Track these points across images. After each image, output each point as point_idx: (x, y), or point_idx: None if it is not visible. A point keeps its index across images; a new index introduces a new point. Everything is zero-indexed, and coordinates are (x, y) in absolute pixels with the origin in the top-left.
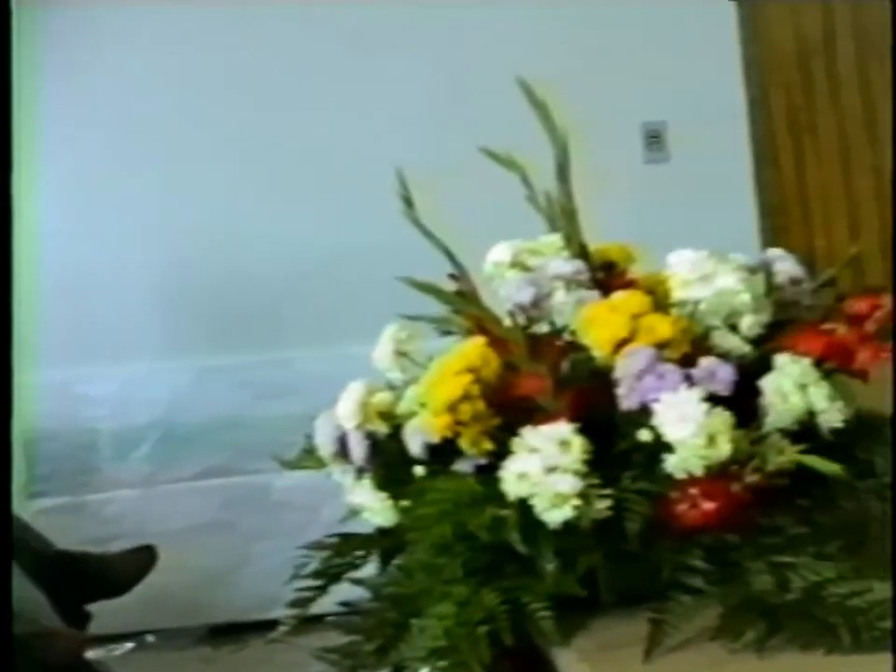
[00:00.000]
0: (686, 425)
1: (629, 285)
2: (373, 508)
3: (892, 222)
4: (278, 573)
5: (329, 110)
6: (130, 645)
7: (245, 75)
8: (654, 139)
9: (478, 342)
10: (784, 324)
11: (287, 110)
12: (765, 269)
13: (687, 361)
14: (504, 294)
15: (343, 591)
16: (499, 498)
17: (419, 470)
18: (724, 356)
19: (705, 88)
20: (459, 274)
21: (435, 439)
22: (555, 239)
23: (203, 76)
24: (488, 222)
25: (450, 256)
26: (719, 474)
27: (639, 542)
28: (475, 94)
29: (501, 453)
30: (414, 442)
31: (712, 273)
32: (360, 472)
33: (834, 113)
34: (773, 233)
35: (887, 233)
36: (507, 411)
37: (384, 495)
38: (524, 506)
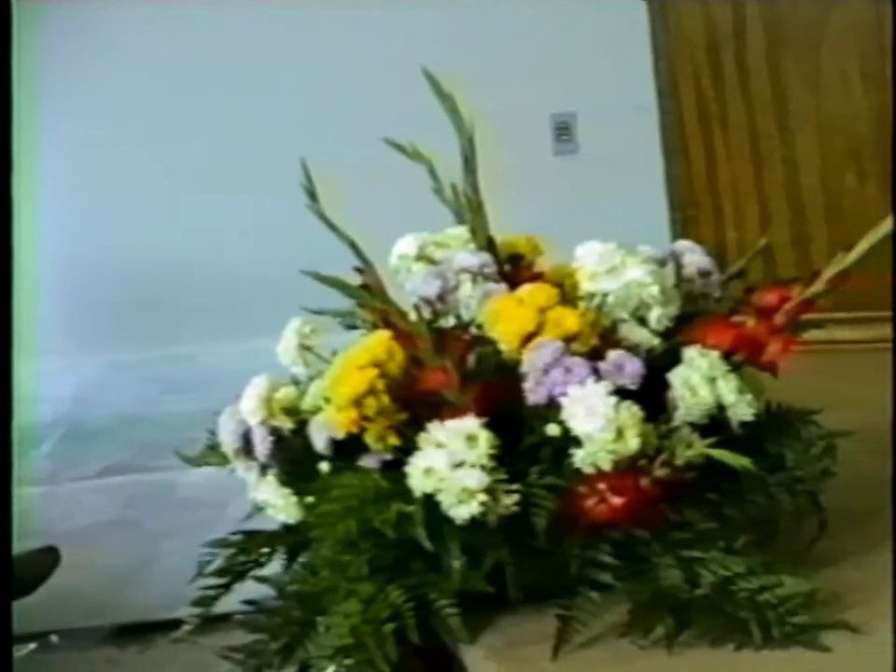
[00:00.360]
0: (594, 419)
1: (536, 277)
2: (277, 505)
3: (892, 222)
4: (184, 571)
5: (233, 102)
6: (32, 646)
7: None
8: (563, 131)
9: (383, 336)
10: (693, 316)
11: (193, 106)
12: (674, 261)
13: (595, 355)
14: (410, 287)
15: (249, 589)
16: (405, 494)
17: (324, 466)
18: (633, 349)
19: (614, 79)
20: (364, 268)
21: (340, 434)
22: (462, 231)
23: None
24: (395, 215)
25: (355, 249)
26: (627, 469)
27: (547, 538)
28: (382, 86)
29: (407, 448)
30: (319, 438)
31: (620, 265)
32: (264, 469)
33: (745, 104)
34: (683, 225)
35: (797, 224)
36: (413, 405)
37: (288, 491)
38: (430, 502)
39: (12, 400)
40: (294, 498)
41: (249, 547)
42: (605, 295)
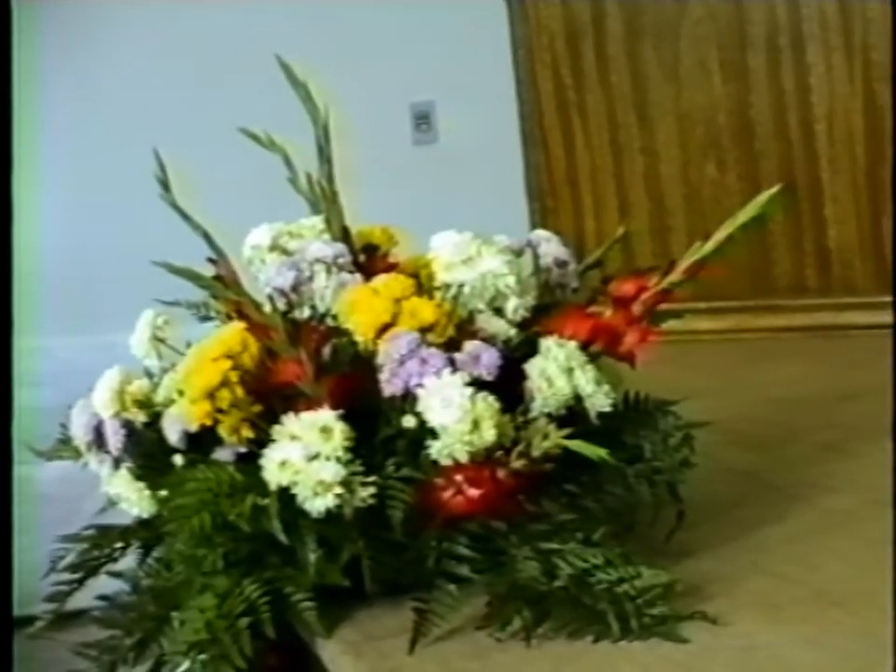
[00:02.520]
0: (450, 410)
1: (391, 268)
2: (131, 499)
3: (893, 222)
4: (39, 568)
5: (82, 94)
6: None
7: None
8: (423, 120)
9: (237, 327)
10: (550, 307)
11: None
12: (531, 251)
13: (452, 345)
14: (263, 278)
15: (104, 585)
16: (260, 487)
17: (178, 460)
18: (489, 340)
19: (473, 68)
20: (218, 259)
21: (193, 427)
22: (317, 221)
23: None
24: (250, 205)
25: (208, 239)
26: (484, 460)
27: (404, 531)
28: (239, 74)
29: (262, 441)
30: (172, 431)
31: (476, 255)
32: (117, 462)
33: (604, 94)
34: (542, 215)
35: (656, 214)
36: (267, 397)
37: (141, 485)
38: (285, 495)
39: (12, 404)
40: (147, 492)
41: (102, 542)
42: (461, 285)
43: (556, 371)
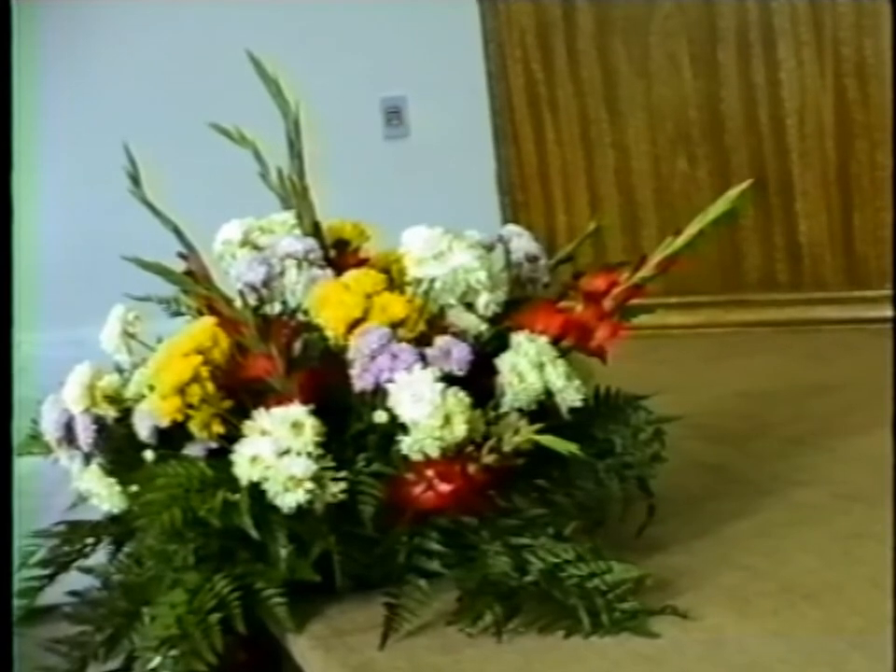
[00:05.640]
0: (420, 405)
1: (362, 263)
2: (101, 494)
3: (892, 222)
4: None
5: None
6: None
7: None
8: (394, 115)
9: (207, 322)
10: (521, 302)
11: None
12: (502, 246)
13: (423, 341)
14: (234, 274)
15: (74, 580)
16: (231, 483)
17: (148, 455)
18: (460, 335)
19: (444, 63)
20: (188, 254)
21: (164, 422)
22: (288, 217)
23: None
24: (221, 201)
25: (179, 234)
26: (455, 455)
27: (374, 526)
28: (211, 70)
29: (233, 436)
30: (143, 426)
31: (447, 250)
32: (88, 458)
33: (574, 88)
34: (513, 209)
35: (627, 209)
36: (238, 393)
37: (112, 480)
38: (256, 490)
39: (12, 403)
40: (118, 488)
41: (73, 537)
42: (432, 280)
43: (527, 366)
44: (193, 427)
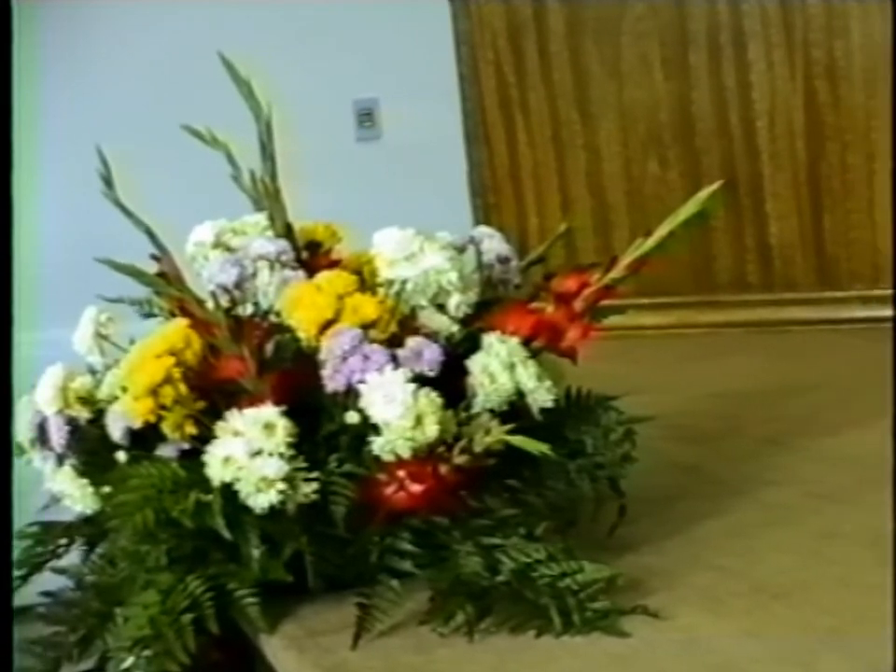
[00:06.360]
0: (392, 406)
1: (334, 264)
2: (74, 495)
3: (892, 222)
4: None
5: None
6: None
7: None
8: (366, 117)
9: (180, 324)
10: (493, 303)
11: None
12: (474, 247)
13: (394, 342)
14: (206, 275)
15: (48, 581)
16: (204, 483)
17: (121, 456)
18: (432, 336)
19: (416, 65)
20: (161, 255)
21: (137, 424)
22: (260, 218)
23: None
24: (194, 202)
25: (151, 236)
26: (426, 456)
27: (346, 526)
28: (183, 72)
29: (206, 437)
30: (116, 428)
31: (418, 251)
32: (61, 459)
33: (546, 90)
34: (485, 211)
35: (599, 211)
36: (211, 394)
37: (85, 481)
38: (228, 491)
39: (12, 402)
40: (91, 489)
41: (46, 538)
42: (403, 282)
43: (499, 366)
44: (166, 427)
